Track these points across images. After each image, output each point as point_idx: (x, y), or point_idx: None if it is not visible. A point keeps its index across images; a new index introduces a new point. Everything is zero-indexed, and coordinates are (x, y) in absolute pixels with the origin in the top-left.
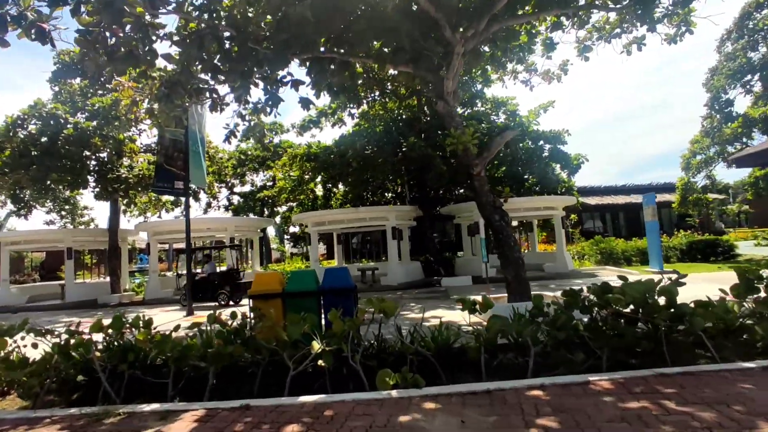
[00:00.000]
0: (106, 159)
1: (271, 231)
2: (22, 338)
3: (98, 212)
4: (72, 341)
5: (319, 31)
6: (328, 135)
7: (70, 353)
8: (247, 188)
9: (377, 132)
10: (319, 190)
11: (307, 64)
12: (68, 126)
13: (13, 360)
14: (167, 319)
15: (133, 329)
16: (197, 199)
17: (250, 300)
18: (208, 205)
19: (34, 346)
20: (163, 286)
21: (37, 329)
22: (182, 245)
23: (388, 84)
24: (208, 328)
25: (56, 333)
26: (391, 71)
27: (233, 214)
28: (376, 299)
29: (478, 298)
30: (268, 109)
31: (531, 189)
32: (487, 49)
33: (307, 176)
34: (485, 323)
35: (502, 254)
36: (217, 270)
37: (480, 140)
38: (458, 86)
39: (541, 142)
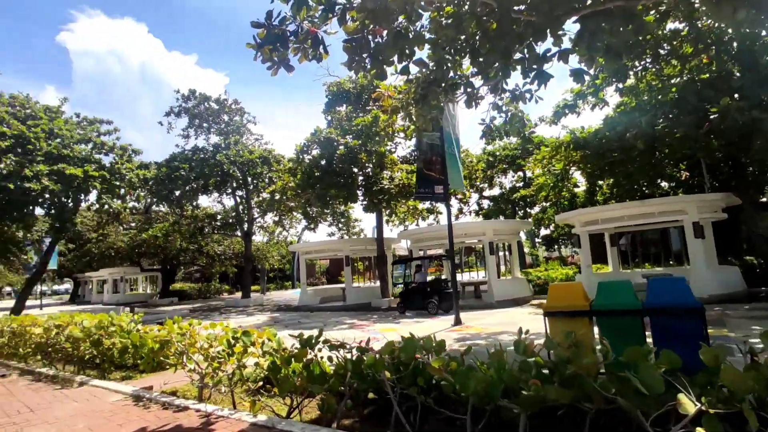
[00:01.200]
0: (370, 173)
1: (521, 234)
2: (319, 350)
3: (365, 224)
4: (364, 358)
5: None
6: (585, 120)
7: (363, 372)
8: (495, 191)
9: (665, 102)
10: (580, 186)
11: (578, 25)
12: (340, 147)
13: (313, 370)
14: (432, 327)
15: (426, 353)
16: (448, 206)
17: (546, 317)
18: (459, 210)
19: (329, 359)
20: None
21: (333, 343)
22: (435, 251)
23: (665, 45)
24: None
25: (348, 347)
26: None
27: (484, 219)
28: None
29: None
30: (528, 96)
31: None
32: None
33: (571, 168)
34: None
35: None
36: (427, 279)
37: None
38: None
39: None
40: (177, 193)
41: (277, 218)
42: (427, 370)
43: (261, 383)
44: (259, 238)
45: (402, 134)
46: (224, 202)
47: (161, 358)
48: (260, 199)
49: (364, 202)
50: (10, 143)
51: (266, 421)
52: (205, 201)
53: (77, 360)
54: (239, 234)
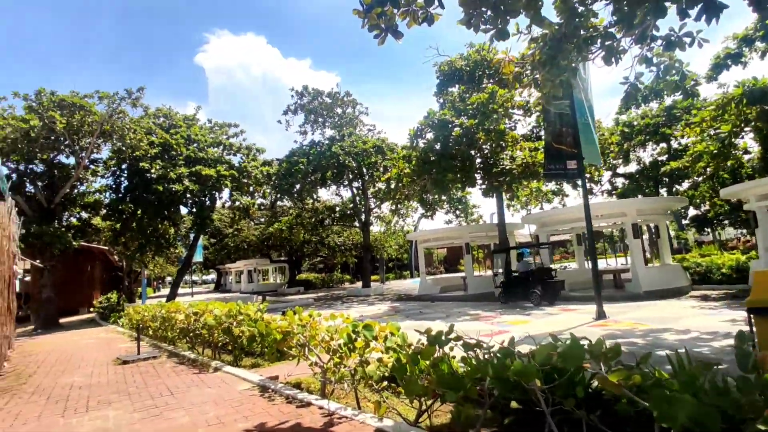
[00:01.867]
0: (488, 154)
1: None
2: (450, 348)
3: (484, 210)
4: (509, 363)
5: None
6: (752, 73)
7: (507, 378)
8: (632, 168)
9: None
10: (751, 152)
11: None
12: (455, 128)
13: (443, 371)
14: (568, 321)
15: (596, 362)
16: (575, 186)
17: (750, 315)
18: (589, 191)
19: (463, 360)
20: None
21: (467, 341)
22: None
23: None
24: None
25: (484, 345)
26: None
27: (618, 199)
28: None
29: None
30: (688, 40)
31: None
32: None
33: (742, 130)
34: None
35: None
36: (530, 269)
37: None
38: None
39: None
40: (297, 186)
41: (393, 207)
42: (584, 378)
43: (385, 382)
44: (376, 228)
45: (520, 111)
46: (342, 194)
47: (284, 349)
48: (375, 189)
49: (483, 186)
50: (158, 150)
51: (392, 427)
52: (324, 194)
53: (213, 345)
54: (357, 225)
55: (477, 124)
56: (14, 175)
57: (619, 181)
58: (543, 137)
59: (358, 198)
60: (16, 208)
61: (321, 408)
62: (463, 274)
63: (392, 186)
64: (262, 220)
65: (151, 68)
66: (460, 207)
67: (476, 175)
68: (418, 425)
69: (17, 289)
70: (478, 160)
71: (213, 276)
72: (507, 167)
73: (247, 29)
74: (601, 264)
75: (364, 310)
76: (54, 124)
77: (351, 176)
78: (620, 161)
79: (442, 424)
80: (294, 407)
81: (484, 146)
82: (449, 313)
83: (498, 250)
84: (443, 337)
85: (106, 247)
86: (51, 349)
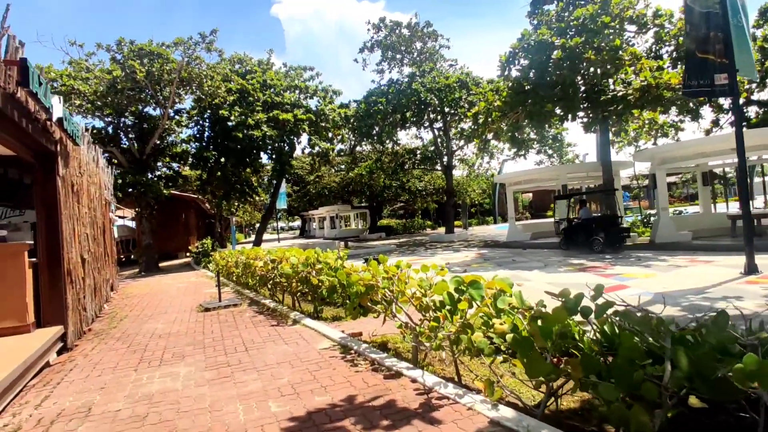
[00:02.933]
0: (596, 78)
1: None
2: (605, 319)
3: (580, 149)
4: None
5: None
6: None
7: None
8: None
9: None
10: None
11: None
12: (555, 50)
13: (590, 353)
14: (706, 275)
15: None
16: (736, 102)
17: None
18: (714, 123)
19: (604, 334)
20: (678, 227)
21: (630, 311)
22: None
23: None
24: None
25: (677, 324)
26: None
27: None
28: None
29: None
30: None
31: None
32: None
33: None
34: None
35: None
36: (592, 215)
37: None
38: None
39: None
40: (376, 128)
41: (480, 146)
42: None
43: (499, 357)
44: (458, 172)
45: (633, 27)
46: (423, 137)
47: (367, 304)
48: (458, 129)
49: (584, 120)
50: (235, 97)
51: (513, 421)
52: (404, 138)
53: (292, 293)
54: (439, 168)
55: (583, 42)
56: (110, 128)
57: (752, 110)
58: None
59: (439, 140)
60: (115, 160)
61: (414, 381)
62: (553, 220)
63: (480, 121)
64: (342, 166)
65: (230, 22)
66: (554, 146)
67: (580, 105)
68: (544, 419)
69: (116, 236)
70: (583, 87)
71: (298, 223)
72: (620, 93)
73: None
74: (720, 208)
75: (450, 257)
76: (135, 73)
77: (432, 116)
78: (755, 86)
79: (570, 407)
80: (381, 377)
81: (590, 69)
82: (546, 262)
83: (559, 197)
84: (586, 306)
85: (197, 196)
86: (146, 292)
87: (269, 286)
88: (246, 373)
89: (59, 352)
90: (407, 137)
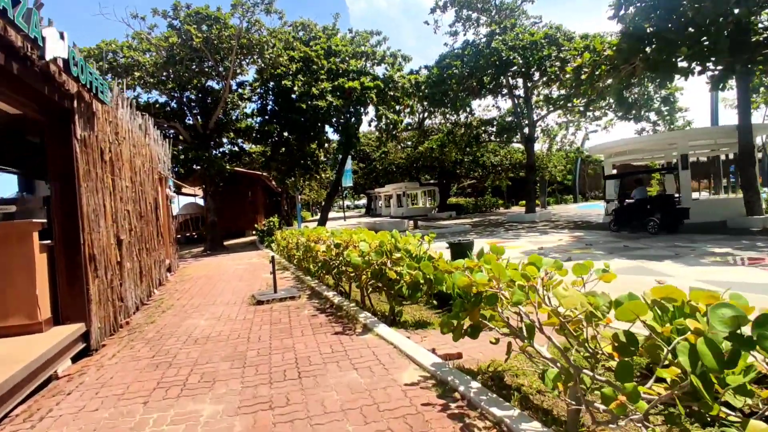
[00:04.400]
0: (742, 16)
1: None
2: None
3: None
4: None
5: None
6: None
7: None
8: None
9: None
10: None
11: None
12: None
13: None
14: None
15: None
16: None
17: None
18: None
19: None
20: None
21: None
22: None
23: None
24: None
25: None
26: None
27: None
28: None
29: None
30: None
31: None
32: None
33: None
34: None
35: None
36: (647, 195)
37: None
38: None
39: None
40: (450, 95)
41: (580, 110)
42: None
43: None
44: (537, 146)
45: None
46: (500, 106)
47: (480, 321)
48: (539, 97)
49: (716, 71)
50: (299, 65)
51: None
52: (477, 110)
53: (362, 286)
54: (518, 140)
55: None
56: (173, 103)
57: None
58: None
59: (519, 108)
60: (181, 136)
61: None
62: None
63: (583, 77)
64: (409, 143)
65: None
66: (664, 110)
67: (726, 48)
68: None
69: (175, 213)
70: (725, 30)
71: (364, 201)
72: None
73: None
74: None
75: (540, 240)
76: (192, 39)
77: (514, 80)
78: None
79: None
80: None
81: (735, 5)
82: (676, 251)
83: (609, 176)
84: None
85: (261, 173)
86: (203, 274)
87: (333, 275)
88: (294, 422)
89: (79, 356)
90: (480, 109)
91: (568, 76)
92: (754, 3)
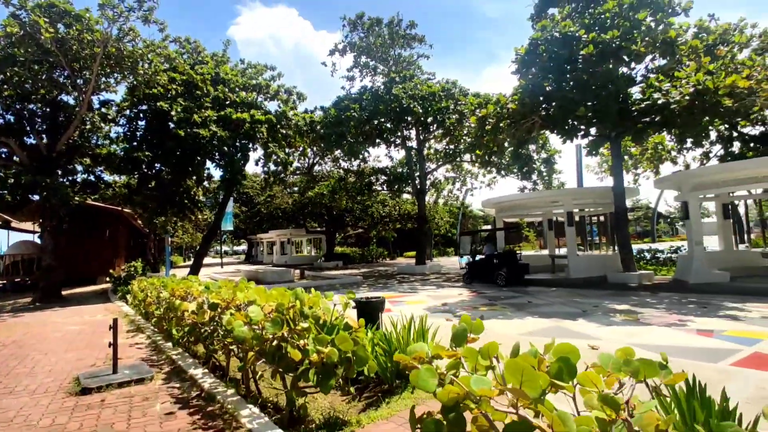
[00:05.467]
0: (642, 76)
1: None
2: None
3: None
4: None
5: None
6: None
7: None
8: None
9: None
10: None
11: None
12: (584, 45)
13: None
14: None
15: None
16: (729, 143)
17: None
18: (705, 155)
19: None
20: (711, 265)
21: None
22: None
23: None
24: None
25: None
26: None
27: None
28: None
29: None
30: None
31: None
32: None
33: None
34: None
35: None
36: (495, 252)
37: None
38: None
39: None
40: (349, 137)
41: (482, 161)
42: None
43: None
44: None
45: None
46: (393, 156)
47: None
48: (432, 150)
49: (595, 135)
50: (180, 89)
51: None
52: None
53: (248, 365)
54: (410, 191)
55: (622, 34)
56: (9, 115)
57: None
58: None
59: (412, 160)
60: (16, 158)
61: None
62: (552, 252)
63: (487, 128)
64: (296, 188)
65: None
66: (545, 169)
67: (615, 113)
68: None
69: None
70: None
71: (244, 247)
72: (670, 99)
73: (279, 1)
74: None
75: (440, 295)
76: (39, 34)
77: (411, 129)
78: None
79: None
80: None
81: (633, 65)
82: (582, 307)
83: (464, 233)
84: None
85: (121, 208)
86: (14, 339)
87: (206, 345)
88: None
89: None
90: (372, 158)
91: (473, 125)
92: (625, 80)
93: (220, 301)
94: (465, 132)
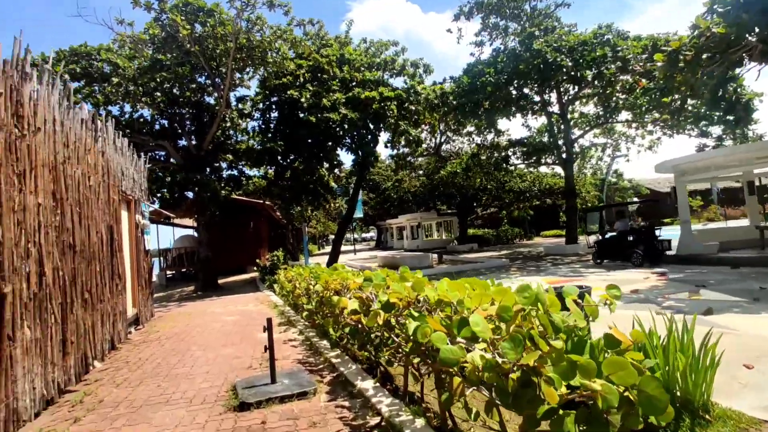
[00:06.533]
0: None
1: None
2: None
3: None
4: None
5: None
6: None
7: None
8: None
9: None
10: None
11: None
12: None
13: None
14: None
15: None
16: None
17: None
18: None
19: None
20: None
21: None
22: None
23: None
24: None
25: None
26: None
27: None
28: None
29: None
30: None
31: None
32: None
33: None
34: None
35: None
36: (630, 227)
37: None
38: None
39: None
40: (487, 105)
41: (671, 111)
42: None
43: None
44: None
45: None
46: (530, 125)
47: None
48: (582, 109)
49: None
50: (308, 75)
51: None
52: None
53: (455, 393)
54: (553, 162)
55: None
56: (163, 119)
57: None
58: None
59: (554, 127)
60: (172, 159)
61: None
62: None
63: (680, 64)
64: (421, 171)
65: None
66: (731, 119)
67: None
68: None
69: (148, 246)
70: None
71: (372, 233)
72: None
73: None
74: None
75: (615, 279)
76: (177, 33)
77: (554, 90)
78: None
79: None
80: None
81: None
82: None
83: (590, 209)
84: None
85: (263, 201)
86: (178, 330)
87: (376, 353)
88: None
89: None
90: (504, 132)
91: (660, 64)
92: None
93: (397, 301)
94: (626, 87)
